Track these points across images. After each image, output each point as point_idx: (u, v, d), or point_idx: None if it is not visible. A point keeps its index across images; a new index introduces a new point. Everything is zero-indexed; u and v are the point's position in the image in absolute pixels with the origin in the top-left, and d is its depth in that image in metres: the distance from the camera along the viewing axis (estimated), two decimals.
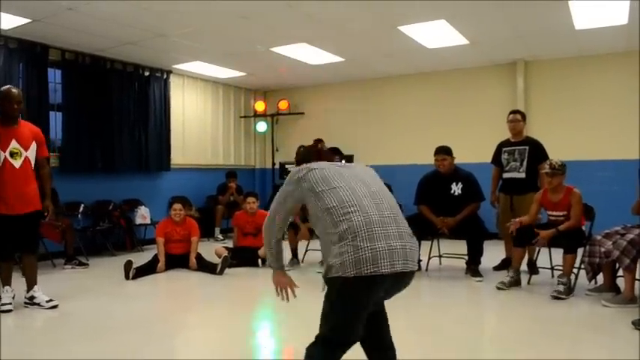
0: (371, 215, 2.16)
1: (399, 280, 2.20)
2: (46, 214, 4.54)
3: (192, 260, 6.04)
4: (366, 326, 2.24)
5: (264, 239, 2.50)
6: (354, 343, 2.24)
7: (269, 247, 2.48)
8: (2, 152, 4.21)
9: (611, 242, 4.42)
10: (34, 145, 4.42)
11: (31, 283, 4.49)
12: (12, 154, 4.25)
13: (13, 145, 4.27)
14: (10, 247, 4.40)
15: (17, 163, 4.28)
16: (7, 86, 4.46)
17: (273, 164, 10.11)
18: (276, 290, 2.51)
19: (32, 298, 4.46)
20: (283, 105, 10.11)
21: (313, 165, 2.41)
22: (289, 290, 2.51)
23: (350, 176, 2.34)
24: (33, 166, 4.42)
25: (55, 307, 4.43)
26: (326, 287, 2.20)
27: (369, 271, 2.04)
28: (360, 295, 2.12)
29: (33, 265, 4.52)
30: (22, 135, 4.35)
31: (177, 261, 6.09)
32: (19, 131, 4.35)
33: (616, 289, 4.57)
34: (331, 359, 2.23)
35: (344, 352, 2.22)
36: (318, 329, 2.22)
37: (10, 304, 4.32)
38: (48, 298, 4.46)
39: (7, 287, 4.37)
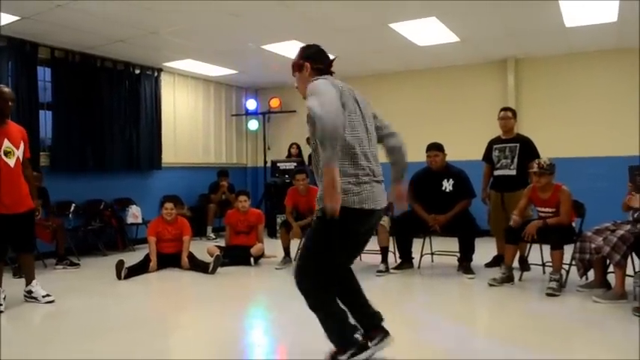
0: (372, 164, 2.61)
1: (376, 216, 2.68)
2: (37, 213, 4.58)
3: (185, 259, 6.02)
4: None
5: (330, 145, 2.23)
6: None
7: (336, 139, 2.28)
8: None
9: (601, 238, 4.45)
10: (22, 146, 4.42)
11: (29, 279, 4.57)
12: (6, 153, 4.25)
13: (6, 144, 4.27)
14: (4, 247, 4.40)
15: (11, 162, 4.28)
16: None
17: (265, 162, 10.09)
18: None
19: (30, 292, 4.55)
20: (275, 103, 10.10)
21: (337, 82, 2.58)
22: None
23: (362, 109, 2.67)
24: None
25: (51, 302, 4.49)
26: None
27: (368, 207, 2.54)
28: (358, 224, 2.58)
29: (31, 263, 4.62)
30: (12, 134, 4.35)
31: (169, 260, 6.07)
32: (10, 130, 4.35)
33: (607, 285, 4.60)
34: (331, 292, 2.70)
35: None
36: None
37: (1, 304, 4.30)
38: (45, 293, 4.52)
39: None
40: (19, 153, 4.37)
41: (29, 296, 4.56)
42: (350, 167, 2.53)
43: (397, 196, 2.93)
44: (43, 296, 4.52)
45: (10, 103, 4.32)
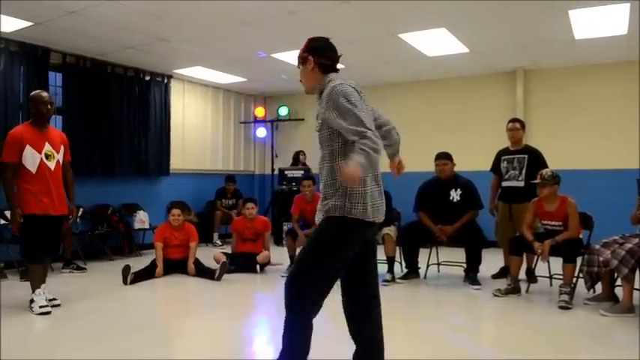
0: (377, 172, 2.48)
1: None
2: (70, 217, 4.70)
3: (191, 266, 6.03)
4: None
5: (365, 154, 2.20)
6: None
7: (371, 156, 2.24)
8: (39, 154, 4.35)
9: (609, 251, 4.42)
10: (62, 149, 4.58)
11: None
12: (47, 157, 4.40)
13: (47, 147, 4.43)
14: (42, 249, 4.47)
15: (51, 165, 4.43)
16: (37, 90, 4.63)
17: (273, 170, 10.11)
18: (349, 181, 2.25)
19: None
20: (283, 111, 10.14)
21: (351, 83, 2.47)
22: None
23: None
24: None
25: (57, 305, 4.53)
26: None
27: (370, 219, 2.41)
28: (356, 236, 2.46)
29: (46, 267, 4.70)
30: (53, 138, 4.52)
31: (175, 266, 6.08)
32: (50, 134, 4.52)
33: (614, 299, 4.57)
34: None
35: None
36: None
37: (47, 305, 4.38)
38: (51, 297, 4.56)
39: (38, 290, 4.42)
40: (59, 157, 4.52)
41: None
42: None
43: (396, 167, 2.81)
44: (50, 300, 4.52)
45: (49, 107, 4.46)
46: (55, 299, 4.58)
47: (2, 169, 4.31)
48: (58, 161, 4.50)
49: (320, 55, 2.57)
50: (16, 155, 4.28)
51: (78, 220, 4.94)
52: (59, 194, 4.50)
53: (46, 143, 4.42)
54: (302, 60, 2.62)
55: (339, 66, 2.67)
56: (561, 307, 4.53)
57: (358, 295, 2.59)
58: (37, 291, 4.40)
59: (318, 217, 2.52)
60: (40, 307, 4.33)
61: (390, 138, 2.81)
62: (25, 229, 4.37)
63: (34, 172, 4.32)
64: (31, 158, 4.32)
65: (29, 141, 4.32)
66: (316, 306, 2.49)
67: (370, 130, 2.26)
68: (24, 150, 4.29)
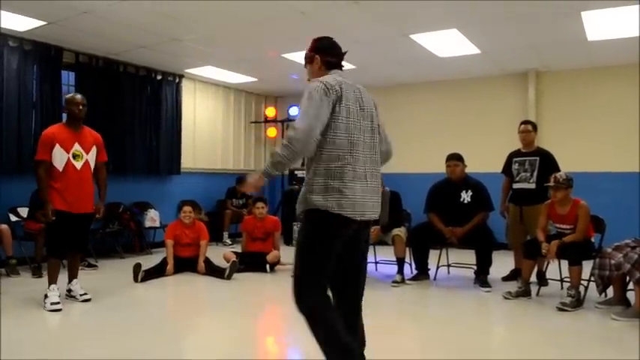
0: (364, 168, 2.51)
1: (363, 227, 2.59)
2: (97, 215, 4.84)
3: (201, 264, 6.05)
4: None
5: (285, 155, 2.34)
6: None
7: (288, 159, 2.36)
8: (66, 153, 4.51)
9: (621, 255, 4.39)
10: (94, 150, 4.74)
11: (71, 278, 4.78)
12: (74, 156, 4.56)
13: (76, 147, 4.59)
14: (63, 245, 4.64)
15: (78, 164, 4.59)
16: (72, 93, 4.87)
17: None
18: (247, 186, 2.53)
19: (69, 290, 4.76)
20: (294, 111, 10.14)
21: (341, 82, 2.51)
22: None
23: (364, 111, 2.57)
24: (92, 170, 4.73)
25: (87, 300, 4.71)
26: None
27: (346, 214, 2.43)
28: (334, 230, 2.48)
29: (76, 262, 4.88)
30: (84, 139, 4.68)
31: (185, 264, 6.11)
32: (82, 135, 4.69)
33: (626, 303, 4.53)
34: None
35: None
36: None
37: (59, 302, 4.47)
38: (82, 292, 4.75)
39: (53, 286, 4.55)
40: (89, 157, 4.68)
41: (68, 294, 4.75)
42: (337, 169, 2.45)
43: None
44: (81, 294, 4.73)
45: (81, 107, 4.62)
46: (86, 294, 4.74)
47: (36, 166, 4.52)
48: (87, 161, 4.65)
49: (326, 53, 2.70)
50: (47, 153, 4.47)
51: (99, 217, 5.00)
52: (85, 193, 4.63)
53: (76, 143, 4.60)
54: (309, 59, 2.75)
55: (348, 66, 2.73)
56: (559, 309, 4.52)
57: (341, 298, 2.64)
58: (52, 286, 4.52)
59: (298, 209, 2.56)
60: (52, 303, 4.41)
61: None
62: (51, 224, 4.54)
63: (60, 170, 4.50)
64: (59, 157, 4.49)
65: (59, 140, 4.51)
66: (322, 288, 2.55)
67: (303, 132, 2.33)
68: (54, 149, 4.48)
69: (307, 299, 2.51)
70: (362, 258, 2.73)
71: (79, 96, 4.70)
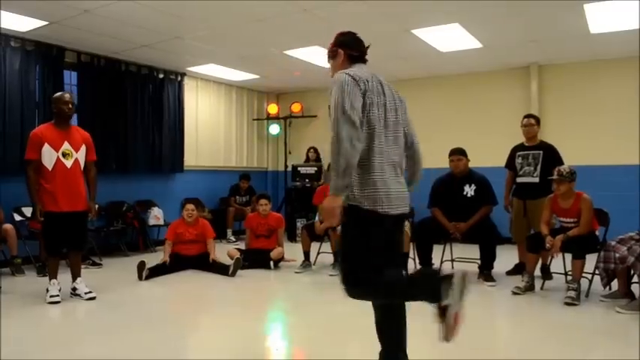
0: (393, 161, 2.51)
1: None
2: (91, 214, 4.87)
3: (212, 261, 6.10)
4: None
5: (341, 162, 2.24)
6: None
7: (350, 170, 2.28)
8: (55, 152, 4.54)
9: (625, 248, 4.38)
10: (83, 148, 4.77)
11: (74, 276, 4.81)
12: (64, 155, 4.59)
13: (66, 146, 4.61)
14: (58, 243, 4.71)
15: (68, 163, 4.61)
16: (60, 92, 4.89)
17: (286, 167, 10.13)
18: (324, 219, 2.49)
19: (74, 289, 4.79)
20: (296, 108, 10.13)
21: (367, 75, 2.50)
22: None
23: (388, 103, 2.56)
24: (82, 168, 4.75)
25: (92, 298, 4.72)
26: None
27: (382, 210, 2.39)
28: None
29: (78, 260, 4.88)
30: (73, 138, 4.70)
31: (189, 262, 6.13)
32: (71, 134, 4.71)
33: (631, 296, 4.52)
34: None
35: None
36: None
37: (58, 295, 4.59)
38: (87, 290, 4.77)
39: (53, 280, 4.66)
40: (79, 155, 4.70)
41: (74, 293, 4.78)
42: (369, 163, 2.43)
43: None
44: (85, 293, 4.75)
45: (70, 107, 4.65)
46: (90, 292, 4.77)
47: (26, 166, 4.56)
48: (77, 160, 4.67)
49: (349, 47, 2.70)
50: (35, 152, 4.51)
51: (94, 217, 5.05)
52: (76, 191, 4.66)
53: (65, 142, 4.62)
54: (332, 54, 2.74)
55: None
56: (567, 304, 4.50)
57: None
58: (53, 281, 4.65)
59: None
60: (51, 296, 4.57)
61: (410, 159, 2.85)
62: (43, 224, 4.61)
63: (50, 169, 4.52)
64: (48, 156, 4.52)
65: (48, 139, 4.53)
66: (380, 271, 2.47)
67: (347, 130, 2.27)
68: (42, 148, 4.50)
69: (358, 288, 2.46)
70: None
71: (67, 95, 4.74)
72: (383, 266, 2.43)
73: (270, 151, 11.05)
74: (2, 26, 5.96)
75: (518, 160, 5.72)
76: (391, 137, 2.55)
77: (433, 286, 2.36)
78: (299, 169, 9.15)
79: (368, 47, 2.75)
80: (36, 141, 4.53)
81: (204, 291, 5.53)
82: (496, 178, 5.85)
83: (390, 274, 2.49)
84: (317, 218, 6.29)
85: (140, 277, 5.62)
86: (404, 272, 2.47)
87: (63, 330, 4.09)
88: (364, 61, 2.72)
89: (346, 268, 2.47)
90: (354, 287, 2.44)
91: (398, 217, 2.54)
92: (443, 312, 2.35)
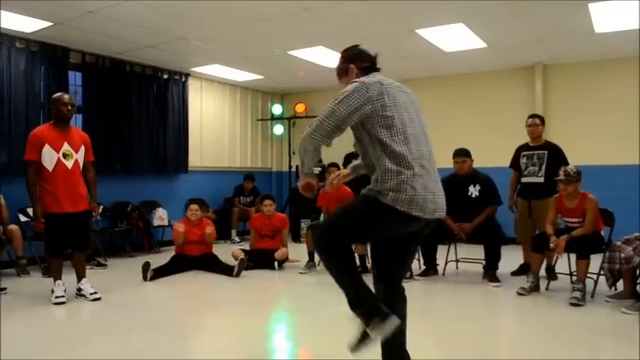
0: (429, 162, 2.49)
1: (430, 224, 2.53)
2: (94, 214, 4.91)
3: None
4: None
5: (306, 145, 2.41)
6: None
7: (313, 153, 2.43)
8: (56, 153, 4.55)
9: (631, 248, 4.36)
10: (82, 149, 4.77)
11: (79, 277, 4.82)
12: (64, 156, 4.60)
13: (66, 147, 4.63)
14: (62, 244, 4.71)
15: (69, 164, 4.63)
16: (59, 92, 4.88)
17: (290, 167, 10.13)
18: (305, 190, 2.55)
19: (79, 290, 4.80)
20: (300, 108, 10.12)
21: (384, 81, 2.51)
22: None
23: (411, 111, 2.54)
24: (81, 168, 4.76)
25: (97, 299, 4.73)
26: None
27: (416, 213, 2.33)
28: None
29: (82, 261, 4.87)
30: (72, 139, 4.71)
31: (194, 262, 6.13)
32: (71, 135, 4.72)
33: (636, 296, 4.50)
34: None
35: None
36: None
37: (63, 296, 4.60)
38: (92, 291, 4.78)
39: (59, 281, 4.67)
40: (78, 156, 4.72)
41: (79, 294, 4.80)
42: (405, 166, 2.36)
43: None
44: (91, 293, 4.76)
45: (70, 108, 4.65)
46: (95, 292, 4.78)
47: (25, 167, 4.57)
48: (76, 160, 4.69)
49: (359, 60, 2.67)
50: (35, 154, 4.52)
51: (98, 217, 5.07)
52: (77, 192, 4.68)
53: (65, 143, 4.62)
54: (344, 72, 2.68)
55: None
56: (572, 304, 4.48)
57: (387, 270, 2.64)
58: (58, 282, 4.65)
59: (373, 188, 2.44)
60: (56, 297, 4.58)
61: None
62: (46, 226, 4.63)
63: (51, 170, 4.54)
64: (49, 157, 4.53)
65: (48, 140, 4.54)
66: (349, 240, 2.50)
67: (321, 126, 2.36)
68: (43, 149, 4.51)
69: (331, 236, 2.42)
70: (414, 249, 2.77)
71: (66, 96, 4.73)
72: (359, 241, 2.48)
73: (275, 151, 11.05)
74: (8, 27, 5.99)
75: (523, 160, 5.71)
76: (423, 137, 2.55)
77: (372, 312, 2.33)
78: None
79: (376, 56, 2.71)
80: (36, 142, 4.53)
81: (209, 291, 5.53)
82: (501, 178, 5.84)
83: (353, 259, 2.51)
84: (322, 219, 6.28)
85: (145, 278, 5.62)
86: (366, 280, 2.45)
87: (68, 330, 4.11)
88: (377, 70, 2.66)
89: (334, 216, 2.54)
90: (324, 235, 2.43)
91: (430, 221, 2.49)
92: (364, 337, 2.36)
